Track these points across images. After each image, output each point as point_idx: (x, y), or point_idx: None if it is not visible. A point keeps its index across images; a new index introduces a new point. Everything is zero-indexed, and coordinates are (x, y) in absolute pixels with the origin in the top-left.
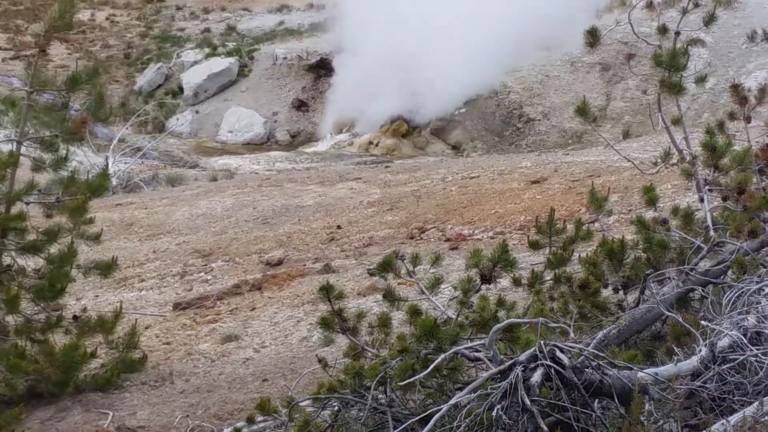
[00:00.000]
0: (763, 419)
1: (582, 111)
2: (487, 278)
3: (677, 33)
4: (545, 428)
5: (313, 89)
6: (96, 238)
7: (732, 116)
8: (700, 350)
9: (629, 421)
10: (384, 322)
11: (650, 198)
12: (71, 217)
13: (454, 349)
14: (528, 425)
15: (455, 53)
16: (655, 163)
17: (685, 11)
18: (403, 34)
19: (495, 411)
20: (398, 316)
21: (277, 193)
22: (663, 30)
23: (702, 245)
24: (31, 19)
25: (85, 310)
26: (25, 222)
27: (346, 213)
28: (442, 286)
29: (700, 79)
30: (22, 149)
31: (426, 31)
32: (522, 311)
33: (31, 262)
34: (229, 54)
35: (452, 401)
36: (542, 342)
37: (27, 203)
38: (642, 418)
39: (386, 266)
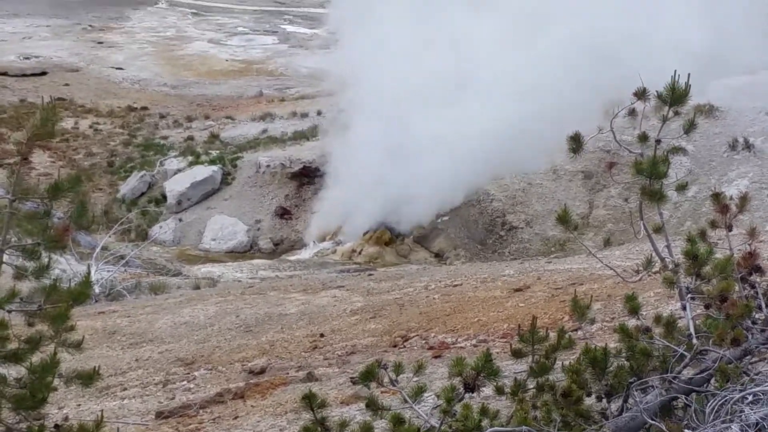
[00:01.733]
0: None
1: (563, 220)
2: (470, 387)
3: (658, 141)
4: None
5: (297, 197)
6: (78, 346)
7: (713, 224)
8: None
9: None
10: (367, 431)
11: (633, 306)
12: (53, 325)
13: None
14: None
15: (438, 161)
16: (638, 271)
17: (665, 119)
18: (386, 142)
19: None
20: (381, 425)
21: (260, 301)
22: (643, 138)
23: (685, 353)
24: (15, 128)
25: (66, 419)
26: (6, 330)
27: (329, 321)
28: (426, 395)
29: (681, 187)
30: (5, 257)
31: (408, 139)
32: (505, 420)
33: (13, 371)
34: (212, 162)
35: None
36: None
37: (9, 311)
38: None
39: (369, 375)
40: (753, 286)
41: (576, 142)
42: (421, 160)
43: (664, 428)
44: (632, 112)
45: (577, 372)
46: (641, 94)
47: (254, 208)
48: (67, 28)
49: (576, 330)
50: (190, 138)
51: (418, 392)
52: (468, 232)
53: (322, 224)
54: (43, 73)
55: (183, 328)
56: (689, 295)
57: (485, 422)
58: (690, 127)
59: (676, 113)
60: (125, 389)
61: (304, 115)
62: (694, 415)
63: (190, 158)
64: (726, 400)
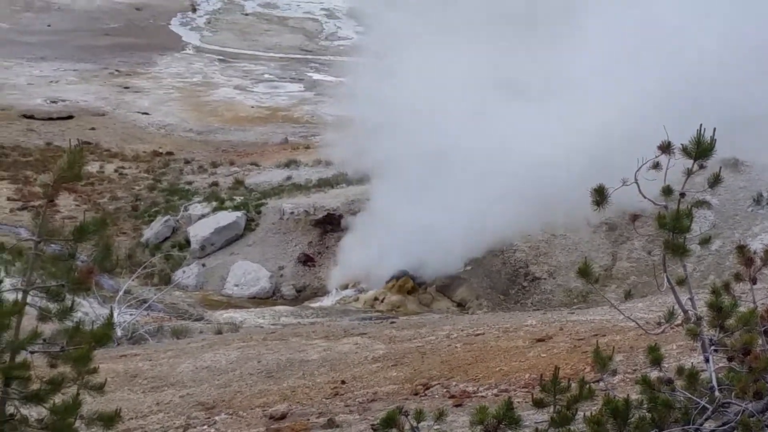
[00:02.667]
0: None
1: (584, 273)
2: None
3: (682, 194)
4: None
5: (320, 244)
6: (100, 389)
7: (738, 277)
8: None
9: None
10: None
11: (655, 358)
12: (75, 367)
13: None
14: None
15: (461, 211)
16: (660, 323)
17: (690, 173)
18: (411, 193)
19: None
20: None
21: (282, 347)
22: (668, 191)
23: (707, 405)
24: (40, 171)
25: None
26: (29, 371)
27: (350, 368)
28: None
29: (705, 241)
30: (28, 298)
31: (432, 189)
32: None
33: (34, 412)
34: (236, 208)
35: None
36: None
37: (31, 352)
38: None
39: (390, 422)
40: None
41: (600, 196)
42: (444, 209)
43: None
44: (656, 166)
45: (599, 423)
46: (666, 148)
47: (277, 255)
48: (94, 72)
49: (597, 381)
50: (215, 183)
51: None
52: (491, 282)
53: (345, 272)
54: (70, 117)
55: (204, 373)
56: (712, 347)
57: None
58: (715, 181)
59: (702, 167)
60: None
61: (329, 163)
62: None
63: (214, 204)
64: None
